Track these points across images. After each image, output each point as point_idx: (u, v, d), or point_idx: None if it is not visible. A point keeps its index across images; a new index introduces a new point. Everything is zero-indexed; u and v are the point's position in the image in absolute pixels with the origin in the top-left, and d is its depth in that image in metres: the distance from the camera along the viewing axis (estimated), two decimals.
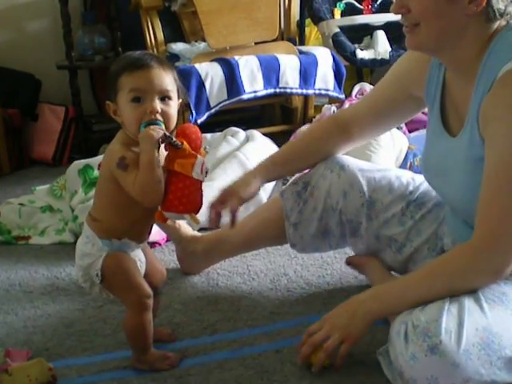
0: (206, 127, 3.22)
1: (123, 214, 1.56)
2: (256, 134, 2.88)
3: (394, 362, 1.46)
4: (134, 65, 1.51)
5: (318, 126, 2.07)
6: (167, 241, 2.45)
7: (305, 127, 3.27)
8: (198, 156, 1.53)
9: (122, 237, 1.58)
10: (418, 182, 1.91)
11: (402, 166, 2.82)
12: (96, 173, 2.51)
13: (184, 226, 2.17)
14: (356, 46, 3.70)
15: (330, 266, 2.18)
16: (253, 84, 3.24)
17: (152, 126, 1.48)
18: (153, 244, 2.41)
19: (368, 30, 3.77)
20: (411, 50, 1.69)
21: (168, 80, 1.53)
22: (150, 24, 3.44)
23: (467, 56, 1.53)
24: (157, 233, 2.42)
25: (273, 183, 2.71)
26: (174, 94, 1.54)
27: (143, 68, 1.50)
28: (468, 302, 1.44)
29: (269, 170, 1.97)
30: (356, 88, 3.49)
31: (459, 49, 1.52)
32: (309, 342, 1.57)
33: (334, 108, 3.33)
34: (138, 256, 1.64)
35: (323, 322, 1.58)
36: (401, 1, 1.51)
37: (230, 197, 1.86)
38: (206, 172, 1.55)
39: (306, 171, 1.98)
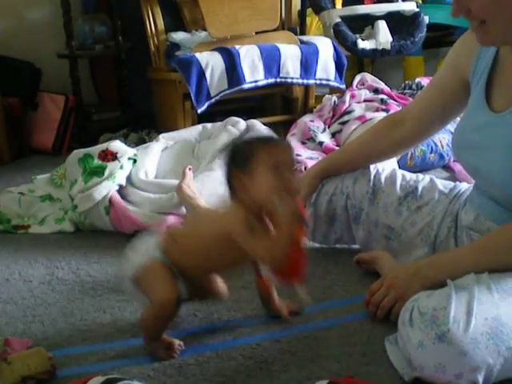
0: (206, 117, 3.23)
1: (204, 265, 1.64)
2: (256, 123, 2.87)
3: (403, 350, 1.47)
4: (272, 140, 1.55)
5: (377, 125, 2.16)
6: None
7: (306, 118, 3.28)
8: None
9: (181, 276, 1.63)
10: (420, 179, 2.02)
11: (403, 156, 2.81)
12: (96, 162, 2.50)
13: (201, 199, 2.29)
14: (357, 35, 3.68)
15: (331, 256, 2.17)
16: (253, 73, 3.23)
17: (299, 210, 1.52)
18: None
19: (369, 20, 3.76)
20: (464, 35, 1.77)
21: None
22: (150, 13, 3.44)
23: None
24: (157, 222, 2.42)
25: None
26: None
27: (281, 144, 1.56)
28: (478, 292, 1.44)
29: (328, 171, 2.10)
30: (357, 78, 3.49)
31: None
32: (372, 302, 1.69)
33: (334, 98, 3.33)
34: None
35: (383, 280, 1.69)
36: (458, 3, 1.51)
37: None
38: None
39: None
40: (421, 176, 2.04)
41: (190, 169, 2.42)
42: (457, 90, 1.83)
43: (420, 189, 1.98)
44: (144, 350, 1.65)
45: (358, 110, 3.18)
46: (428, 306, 1.43)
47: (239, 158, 1.53)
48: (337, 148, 2.98)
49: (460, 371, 1.38)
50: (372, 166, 2.06)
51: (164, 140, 2.87)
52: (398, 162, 2.62)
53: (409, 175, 2.04)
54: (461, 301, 1.42)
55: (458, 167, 2.86)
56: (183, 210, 2.39)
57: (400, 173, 2.05)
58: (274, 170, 1.49)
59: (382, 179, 2.02)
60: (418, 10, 3.77)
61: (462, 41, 1.82)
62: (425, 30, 3.73)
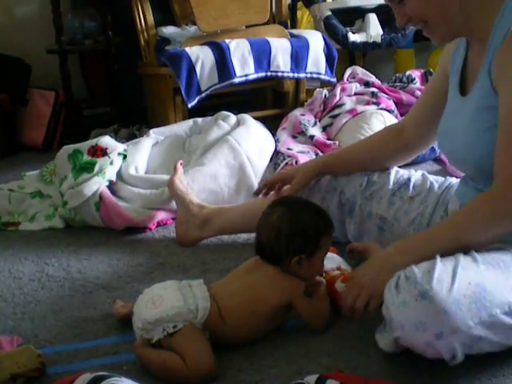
0: (196, 111, 3.22)
1: (245, 336, 1.64)
2: (247, 118, 2.86)
3: (386, 315, 1.46)
4: (332, 226, 1.71)
5: (378, 133, 2.17)
6: (157, 226, 2.44)
7: (297, 111, 3.27)
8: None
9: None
10: (412, 174, 2.04)
11: None
12: (86, 157, 2.49)
13: (192, 194, 2.30)
14: (348, 29, 3.67)
15: None
16: (244, 68, 3.22)
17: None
18: (143, 229, 2.41)
19: (360, 13, 3.75)
20: None
21: None
22: (140, 7, 3.41)
23: (481, 20, 1.56)
24: (147, 218, 2.41)
25: (263, 169, 2.70)
26: None
27: (333, 229, 1.74)
28: (464, 260, 1.45)
29: (327, 165, 2.09)
30: (348, 71, 3.49)
31: (471, 19, 1.57)
32: (346, 307, 1.62)
33: (325, 92, 3.32)
34: None
35: (350, 283, 1.62)
36: (399, 12, 1.60)
37: (287, 180, 2.04)
38: None
39: None
40: (413, 171, 2.06)
41: (181, 163, 2.41)
42: (447, 92, 1.83)
43: (413, 181, 2.00)
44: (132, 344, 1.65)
45: (349, 103, 3.17)
46: (414, 272, 1.42)
47: (309, 246, 1.66)
48: (328, 142, 2.98)
49: (440, 330, 1.37)
50: None
51: (154, 135, 2.86)
52: None
53: (402, 170, 2.06)
54: (445, 266, 1.43)
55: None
56: (173, 205, 2.39)
57: (394, 168, 2.06)
58: (325, 254, 1.71)
59: (376, 173, 2.03)
60: None
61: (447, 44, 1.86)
62: None
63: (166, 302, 1.57)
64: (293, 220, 1.66)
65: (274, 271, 1.67)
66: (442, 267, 1.42)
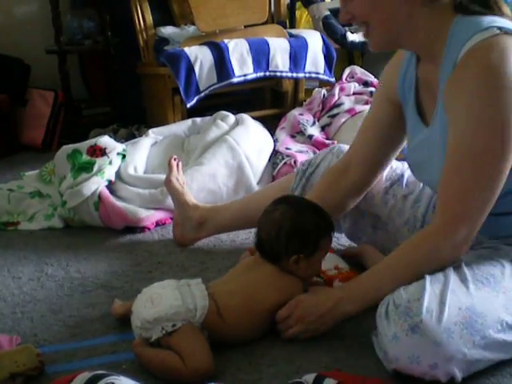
0: (195, 111, 3.23)
1: (244, 335, 1.64)
2: (246, 117, 2.86)
3: (380, 343, 1.47)
4: (332, 227, 1.71)
5: (323, 179, 2.00)
6: (156, 225, 2.44)
7: (295, 111, 3.27)
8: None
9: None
10: (405, 167, 1.97)
11: None
12: (85, 157, 2.50)
13: (189, 193, 2.25)
14: (346, 28, 3.68)
15: None
16: (242, 67, 3.22)
17: None
18: (142, 229, 2.41)
19: None
20: (387, 66, 1.78)
21: None
22: (139, 7, 3.42)
23: (428, 40, 1.53)
24: (146, 218, 2.42)
25: (262, 168, 2.71)
26: None
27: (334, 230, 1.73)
28: (453, 283, 1.45)
29: None
30: (346, 71, 3.48)
31: (417, 35, 1.53)
32: (279, 326, 1.63)
33: (324, 91, 3.32)
34: None
35: (294, 308, 1.61)
36: (344, 9, 1.56)
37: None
38: None
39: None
40: (406, 164, 1.98)
41: (175, 159, 2.32)
42: (392, 121, 1.79)
43: (406, 176, 1.96)
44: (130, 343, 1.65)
45: (348, 102, 3.17)
46: (402, 298, 1.43)
47: (309, 246, 1.66)
48: (326, 141, 2.98)
49: (435, 362, 1.38)
50: None
51: (153, 135, 2.86)
52: None
53: (395, 164, 2.00)
54: (434, 292, 1.42)
55: None
56: (172, 205, 2.38)
57: None
58: (323, 257, 1.72)
59: None
60: None
61: (385, 71, 1.81)
62: None
63: (165, 301, 1.57)
64: (294, 219, 1.66)
65: (272, 270, 1.67)
66: (430, 293, 1.42)
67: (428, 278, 1.46)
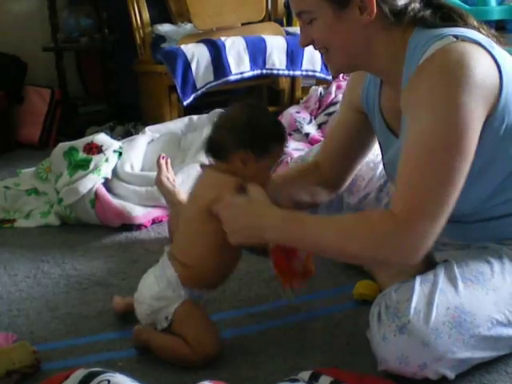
0: (192, 109, 3.22)
1: (219, 255, 1.60)
2: None
3: (371, 343, 1.47)
4: (286, 138, 1.66)
5: (292, 170, 2.01)
6: (153, 223, 2.44)
7: (292, 109, 3.27)
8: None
9: (206, 286, 1.62)
10: None
11: None
12: (81, 155, 2.49)
13: (181, 192, 2.22)
14: None
15: None
16: (239, 65, 3.22)
17: None
18: (138, 226, 2.41)
19: None
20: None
21: None
22: (136, 5, 3.42)
23: (389, 64, 1.51)
24: (143, 215, 2.42)
25: None
26: None
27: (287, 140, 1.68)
28: (442, 282, 1.45)
29: None
30: None
31: (377, 59, 1.51)
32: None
33: (321, 89, 3.32)
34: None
35: (224, 208, 1.52)
36: (304, 33, 1.52)
37: None
38: None
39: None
40: None
41: (163, 157, 2.28)
42: (361, 127, 1.78)
43: None
44: (126, 340, 1.66)
45: None
46: (392, 300, 1.43)
47: (260, 145, 1.59)
48: (323, 139, 2.98)
49: (423, 362, 1.39)
50: None
51: (150, 132, 2.86)
52: None
53: None
54: (424, 292, 1.42)
55: None
56: None
57: (378, 159, 1.96)
58: (273, 165, 1.65)
59: (364, 167, 1.97)
60: None
61: (350, 79, 1.81)
62: None
63: (145, 294, 1.61)
64: (250, 114, 1.62)
65: (210, 171, 1.63)
66: (419, 293, 1.42)
67: (418, 278, 1.46)
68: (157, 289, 1.60)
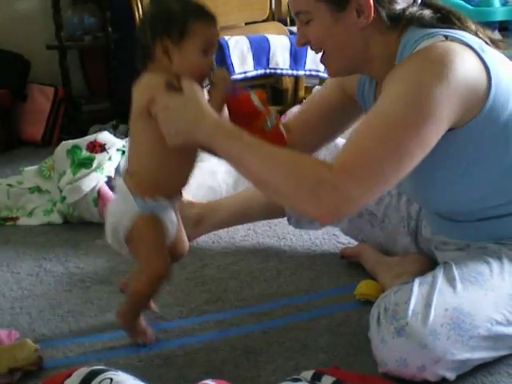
0: None
1: (161, 159, 1.56)
2: None
3: (371, 346, 1.47)
4: (207, 15, 1.52)
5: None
6: None
7: (295, 109, 3.27)
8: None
9: (157, 193, 1.57)
10: None
11: None
12: (84, 153, 2.50)
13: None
14: None
15: (319, 247, 2.17)
16: (243, 65, 3.22)
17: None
18: None
19: None
20: None
21: None
22: (139, 3, 3.41)
23: (384, 62, 1.50)
24: None
25: None
26: None
27: (214, 21, 1.53)
28: (440, 283, 1.45)
29: None
30: None
31: (374, 62, 1.51)
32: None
33: None
34: (170, 217, 1.63)
35: (160, 110, 1.51)
36: (300, 33, 1.52)
37: None
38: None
39: None
40: None
41: None
42: (341, 107, 1.78)
43: None
44: (129, 339, 1.66)
45: None
46: (391, 302, 1.44)
47: (174, 28, 1.50)
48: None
49: (422, 364, 1.38)
50: None
51: None
52: None
53: None
54: (422, 294, 1.42)
55: None
56: None
57: None
58: (204, 51, 1.51)
59: None
60: None
61: None
62: None
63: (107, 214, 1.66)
64: (160, 3, 1.58)
65: (142, 76, 1.60)
66: (418, 295, 1.42)
67: (417, 280, 1.47)
68: (112, 207, 1.65)
